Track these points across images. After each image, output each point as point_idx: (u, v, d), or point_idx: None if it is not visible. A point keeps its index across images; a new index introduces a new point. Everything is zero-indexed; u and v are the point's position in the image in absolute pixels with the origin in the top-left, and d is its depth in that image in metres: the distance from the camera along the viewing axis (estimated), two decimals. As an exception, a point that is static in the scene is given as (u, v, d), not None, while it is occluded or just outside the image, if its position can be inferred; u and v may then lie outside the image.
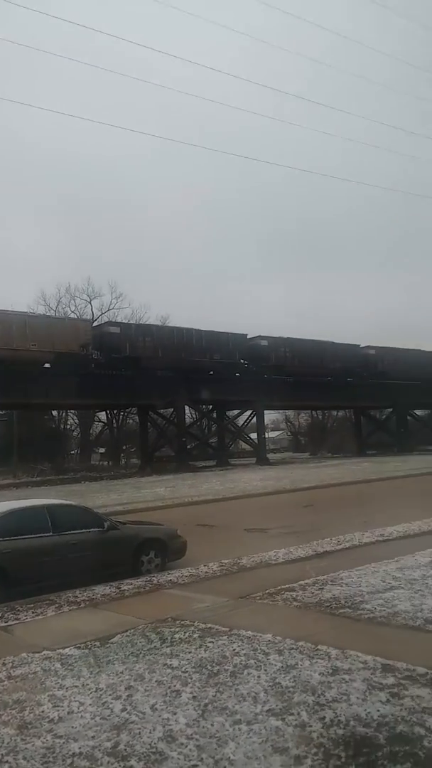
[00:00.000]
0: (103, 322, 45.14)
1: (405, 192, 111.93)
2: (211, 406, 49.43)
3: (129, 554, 9.86)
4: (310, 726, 4.01)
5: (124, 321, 44.52)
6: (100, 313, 55.86)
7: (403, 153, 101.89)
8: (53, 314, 50.51)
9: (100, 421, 60.99)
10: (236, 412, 50.54)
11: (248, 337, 45.36)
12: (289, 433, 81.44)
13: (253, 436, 49.85)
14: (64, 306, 55.76)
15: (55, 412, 55.02)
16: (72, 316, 51.76)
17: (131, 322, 42.77)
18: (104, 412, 57.15)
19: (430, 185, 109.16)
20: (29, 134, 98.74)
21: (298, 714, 4.18)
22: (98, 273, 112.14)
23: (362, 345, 51.88)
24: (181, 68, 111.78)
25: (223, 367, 43.32)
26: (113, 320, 46.42)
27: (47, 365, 36.67)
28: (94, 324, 43.68)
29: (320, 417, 73.27)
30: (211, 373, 43.19)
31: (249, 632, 6.07)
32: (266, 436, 54.72)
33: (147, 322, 43.97)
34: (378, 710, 4.17)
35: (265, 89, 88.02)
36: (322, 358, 47.61)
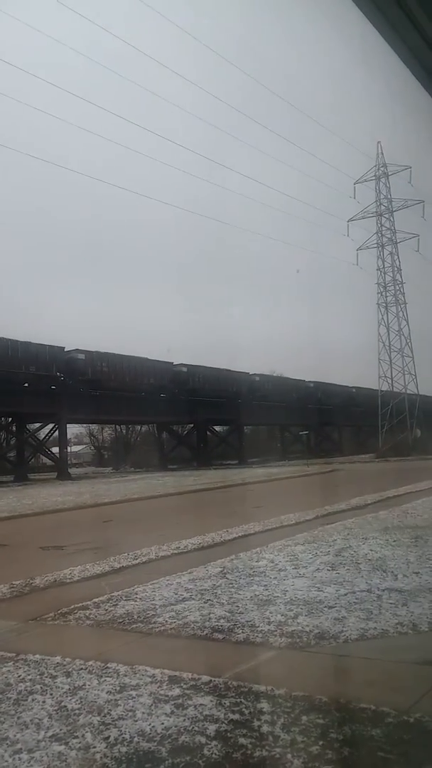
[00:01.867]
0: None
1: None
2: (10, 419, 47.21)
3: None
4: (94, 747, 3.96)
5: None
6: None
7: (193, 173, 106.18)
8: None
9: None
10: (38, 425, 48.84)
11: (66, 350, 44.66)
12: (92, 448, 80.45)
13: (55, 450, 48.49)
14: None
15: None
16: None
17: None
18: None
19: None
20: None
21: (83, 736, 4.11)
22: None
23: (175, 363, 53.58)
24: None
25: (39, 379, 42.04)
26: None
27: None
28: None
29: (123, 431, 73.46)
30: (26, 385, 41.83)
31: (37, 656, 5.85)
32: (69, 450, 53.52)
33: None
34: (162, 723, 4.24)
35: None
36: (138, 373, 48.39)
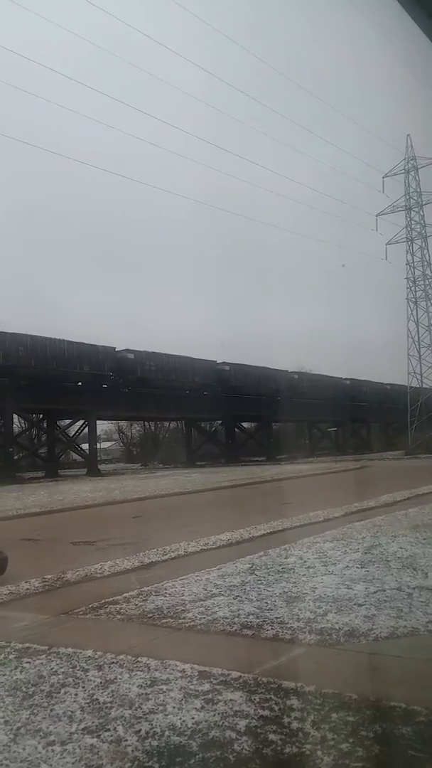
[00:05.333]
0: None
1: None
2: (42, 415, 47.89)
3: None
4: (126, 740, 4.01)
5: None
6: None
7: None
8: None
9: None
10: (68, 421, 49.44)
11: (117, 350, 46.05)
12: (121, 444, 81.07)
13: (85, 446, 49.04)
14: None
15: None
16: None
17: (6, 332, 40.61)
18: None
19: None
20: None
21: (114, 729, 4.17)
22: None
23: (218, 361, 54.90)
24: None
25: (93, 378, 43.55)
26: None
27: None
28: None
29: (152, 428, 73.85)
30: (80, 384, 43.36)
31: (69, 649, 5.94)
32: (98, 446, 54.06)
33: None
34: (192, 718, 4.28)
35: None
36: (182, 372, 49.73)
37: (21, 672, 5.37)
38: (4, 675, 5.31)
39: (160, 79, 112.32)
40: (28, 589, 9.13)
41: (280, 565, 9.55)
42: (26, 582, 9.46)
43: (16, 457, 43.88)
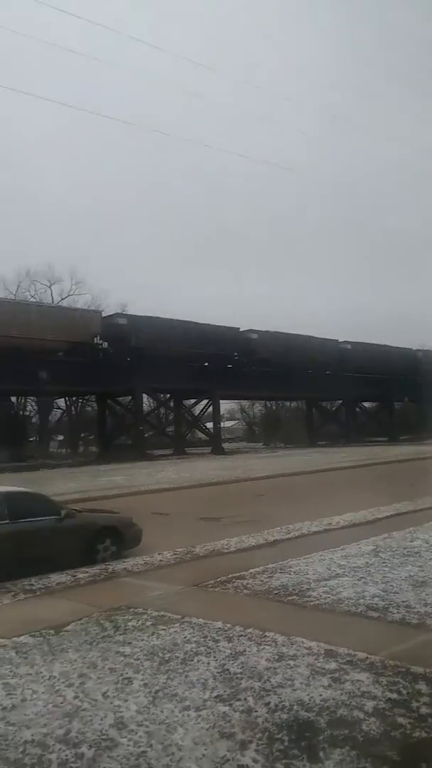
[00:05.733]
0: (112, 314, 45.34)
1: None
2: (168, 395, 49.54)
3: (85, 542, 9.93)
4: (256, 711, 4.21)
5: (130, 313, 44.82)
6: (60, 299, 55.69)
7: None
8: (32, 300, 51.19)
9: (59, 408, 60.47)
10: (193, 401, 50.77)
11: (240, 330, 47.00)
12: (243, 423, 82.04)
13: (210, 425, 50.19)
14: (23, 290, 55.27)
15: (13, 399, 54.52)
16: (32, 299, 51.62)
17: (137, 315, 43.07)
18: (63, 399, 56.86)
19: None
20: None
21: (245, 700, 4.39)
22: (57, 259, 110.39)
23: (340, 340, 54.31)
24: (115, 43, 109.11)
25: (217, 359, 44.76)
26: (122, 312, 47.22)
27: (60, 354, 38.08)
28: (104, 315, 43.61)
29: (273, 407, 74.00)
30: (206, 364, 44.65)
31: (200, 620, 6.26)
32: (222, 425, 55.10)
33: (150, 315, 43.74)
34: (320, 695, 4.41)
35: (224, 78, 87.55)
36: (305, 351, 49.42)
37: (157, 638, 5.74)
38: (142, 640, 5.71)
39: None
40: (161, 560, 9.66)
41: (405, 548, 9.40)
42: (159, 554, 10.00)
43: (146, 436, 45.80)
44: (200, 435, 53.33)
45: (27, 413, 58.92)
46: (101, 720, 4.15)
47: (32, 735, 3.98)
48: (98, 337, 40.07)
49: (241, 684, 4.65)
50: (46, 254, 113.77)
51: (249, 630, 5.86)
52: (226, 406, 65.58)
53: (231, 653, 5.29)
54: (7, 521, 9.15)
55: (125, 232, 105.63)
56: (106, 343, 40.78)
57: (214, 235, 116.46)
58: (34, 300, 52.38)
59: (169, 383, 43.85)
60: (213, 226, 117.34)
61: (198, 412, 51.76)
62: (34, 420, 60.91)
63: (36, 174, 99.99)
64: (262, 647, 5.41)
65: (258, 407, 76.97)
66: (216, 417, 49.06)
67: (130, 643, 5.66)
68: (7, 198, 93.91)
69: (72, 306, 51.46)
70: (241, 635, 5.74)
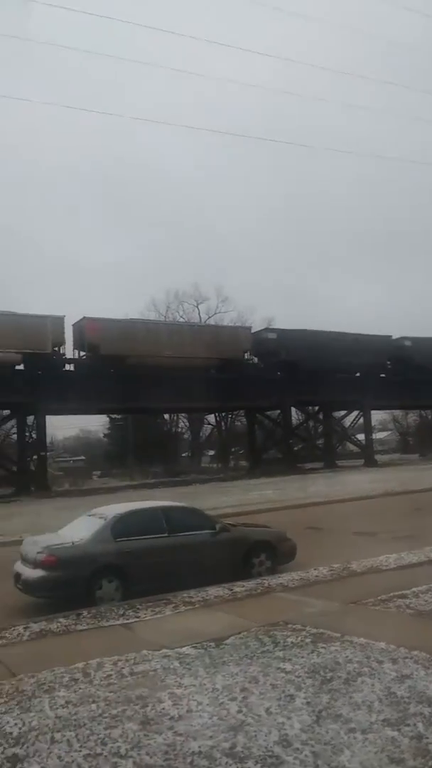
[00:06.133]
0: (261, 329, 46.41)
1: None
2: (317, 408, 49.05)
3: (240, 556, 10.05)
4: (427, 738, 3.98)
5: (279, 327, 45.32)
6: (207, 317, 57.38)
7: None
8: (181, 320, 53.70)
9: (209, 423, 62.24)
10: (343, 413, 49.82)
11: (393, 338, 45.79)
12: (397, 434, 79.03)
13: (361, 437, 48.94)
14: (173, 311, 57.72)
15: (167, 416, 57.09)
16: (180, 319, 53.88)
17: (288, 328, 43.72)
18: (213, 415, 58.50)
19: None
20: (90, 142, 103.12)
21: (414, 725, 4.16)
22: (202, 279, 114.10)
23: None
24: (238, 62, 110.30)
25: (369, 368, 44.14)
26: (270, 327, 47.94)
27: (212, 371, 39.76)
28: (253, 331, 44.78)
29: (429, 417, 70.53)
30: (357, 374, 44.30)
31: (361, 639, 6.06)
32: (374, 437, 53.49)
33: (299, 328, 43.85)
34: None
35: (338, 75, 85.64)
36: None
37: (318, 656, 5.63)
38: (302, 657, 5.63)
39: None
40: (316, 576, 9.52)
41: None
42: (315, 570, 9.87)
43: (295, 449, 45.63)
44: (351, 447, 52.10)
45: (178, 429, 61.29)
46: (266, 736, 4.13)
47: (199, 746, 4.05)
48: (249, 353, 40.96)
49: (409, 709, 4.42)
50: (192, 275, 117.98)
51: (415, 652, 5.56)
52: (377, 416, 63.74)
53: (397, 676, 5.05)
54: (166, 534, 9.52)
55: (265, 247, 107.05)
56: (256, 358, 41.59)
57: (354, 244, 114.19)
58: (183, 319, 54.59)
59: (318, 395, 43.51)
60: (351, 233, 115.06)
61: (348, 423, 50.71)
62: (185, 436, 63.19)
63: (175, 199, 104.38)
64: (430, 671, 5.11)
65: (412, 417, 73.80)
66: (368, 428, 47.78)
67: (290, 659, 5.60)
68: (155, 224, 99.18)
69: (222, 324, 52.79)
70: (407, 657, 5.47)
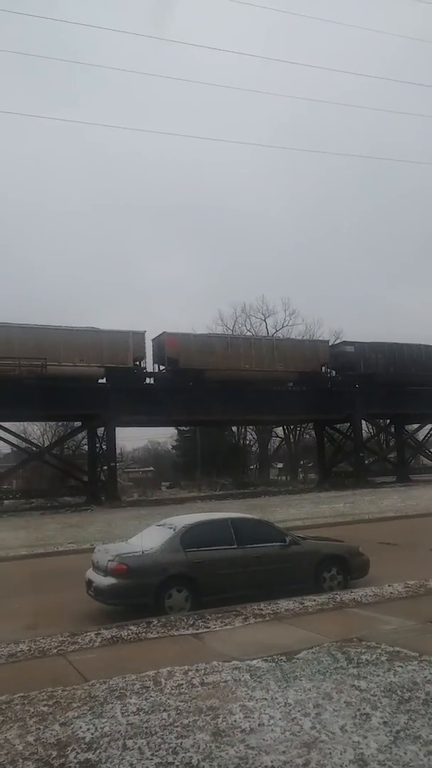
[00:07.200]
0: (338, 342, 46.23)
1: None
2: (389, 420, 47.90)
3: (311, 570, 9.85)
4: None
5: (356, 341, 43.93)
6: (274, 331, 57.07)
7: None
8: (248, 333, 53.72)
9: (277, 436, 61.86)
10: (416, 426, 48.43)
11: None
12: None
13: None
14: (240, 325, 57.70)
15: (234, 428, 57.09)
16: (248, 333, 53.77)
17: (365, 341, 43.19)
18: (282, 428, 58.10)
19: None
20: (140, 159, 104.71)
21: None
22: (269, 292, 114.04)
23: None
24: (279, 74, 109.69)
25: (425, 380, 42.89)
26: (348, 340, 46.48)
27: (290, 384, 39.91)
28: (330, 344, 44.56)
29: None
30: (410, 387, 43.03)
31: (441, 659, 5.78)
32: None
33: (378, 341, 43.15)
34: None
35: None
36: None
37: (394, 675, 5.41)
38: (378, 675, 5.42)
39: None
40: (392, 593, 9.21)
41: None
42: (389, 586, 9.55)
43: (366, 462, 44.69)
44: (425, 461, 50.55)
45: (246, 442, 61.14)
46: (341, 754, 3.98)
47: (272, 761, 3.94)
48: (326, 366, 40.74)
49: None
50: (260, 288, 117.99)
51: None
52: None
53: None
54: (235, 546, 9.44)
55: (331, 259, 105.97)
56: (334, 371, 41.29)
57: (422, 251, 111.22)
58: (250, 333, 54.50)
59: (390, 408, 42.57)
60: (420, 240, 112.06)
61: (423, 437, 49.25)
62: (253, 448, 62.99)
63: (238, 217, 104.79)
64: None
65: None
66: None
67: (365, 677, 5.40)
68: (223, 240, 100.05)
69: (301, 338, 52.40)
70: None
